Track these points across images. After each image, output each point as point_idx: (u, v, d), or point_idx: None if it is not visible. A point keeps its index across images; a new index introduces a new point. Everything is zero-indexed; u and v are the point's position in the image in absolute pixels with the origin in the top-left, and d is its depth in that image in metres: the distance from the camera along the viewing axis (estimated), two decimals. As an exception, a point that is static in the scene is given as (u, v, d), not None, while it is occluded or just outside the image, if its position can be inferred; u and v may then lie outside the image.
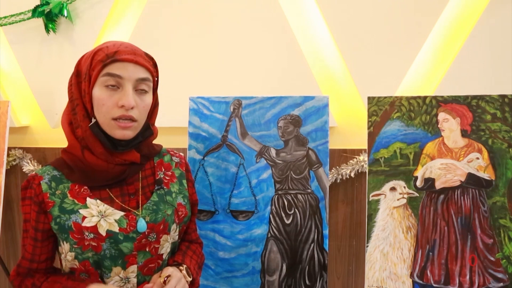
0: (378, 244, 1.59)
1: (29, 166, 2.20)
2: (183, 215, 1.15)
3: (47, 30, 2.10)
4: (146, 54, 1.08)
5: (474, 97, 1.56)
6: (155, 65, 1.11)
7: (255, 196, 1.65)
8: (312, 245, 1.61)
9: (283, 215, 1.63)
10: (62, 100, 2.18)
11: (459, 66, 1.84)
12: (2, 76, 2.27)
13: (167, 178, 1.16)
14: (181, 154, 1.25)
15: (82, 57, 1.07)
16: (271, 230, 1.63)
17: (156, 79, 1.10)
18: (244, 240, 1.64)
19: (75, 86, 1.06)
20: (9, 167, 2.23)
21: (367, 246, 1.60)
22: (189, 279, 1.12)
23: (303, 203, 1.63)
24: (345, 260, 2.03)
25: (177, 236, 1.16)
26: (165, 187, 1.14)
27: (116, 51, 1.01)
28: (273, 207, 1.64)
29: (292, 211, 1.63)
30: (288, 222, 1.63)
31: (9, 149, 2.20)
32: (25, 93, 2.25)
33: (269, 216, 1.64)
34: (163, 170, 1.17)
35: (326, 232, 1.61)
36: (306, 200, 1.62)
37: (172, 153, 1.23)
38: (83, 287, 1.02)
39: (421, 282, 1.55)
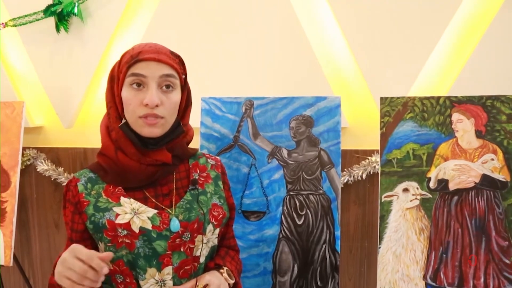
0: (391, 246, 1.58)
1: (43, 166, 2.23)
2: (220, 215, 1.13)
3: (58, 30, 2.11)
4: (172, 52, 1.09)
5: (489, 97, 1.54)
6: (181, 62, 1.11)
7: (267, 196, 1.64)
8: (324, 246, 1.61)
9: (295, 215, 1.63)
10: (75, 100, 2.20)
11: (473, 66, 1.81)
12: (16, 77, 2.31)
13: (202, 179, 1.16)
14: (217, 157, 1.25)
15: (115, 63, 1.10)
16: (282, 231, 1.63)
17: (183, 76, 1.10)
18: (256, 240, 1.64)
19: (108, 90, 1.09)
20: (23, 167, 2.26)
21: (379, 248, 1.59)
22: (231, 281, 1.11)
23: (315, 204, 1.62)
24: (357, 261, 2.02)
25: (216, 239, 1.15)
26: (199, 188, 1.13)
27: (140, 52, 1.03)
28: (285, 207, 1.63)
29: (304, 212, 1.62)
30: (299, 222, 1.62)
31: (24, 149, 2.23)
32: (39, 94, 2.28)
33: (281, 217, 1.63)
34: (198, 171, 1.17)
35: (338, 233, 1.60)
36: (318, 201, 1.62)
37: (207, 155, 1.22)
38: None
39: (434, 284, 1.53)
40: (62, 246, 1.14)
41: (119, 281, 1.07)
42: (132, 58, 1.03)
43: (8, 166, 2.05)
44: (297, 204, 1.63)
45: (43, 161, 2.24)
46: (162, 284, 1.05)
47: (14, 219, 2.00)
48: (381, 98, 1.63)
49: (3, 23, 2.16)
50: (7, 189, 2.03)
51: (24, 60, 2.27)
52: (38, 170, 2.25)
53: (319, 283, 1.60)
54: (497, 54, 1.79)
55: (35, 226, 2.36)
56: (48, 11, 2.10)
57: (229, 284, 1.10)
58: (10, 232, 1.99)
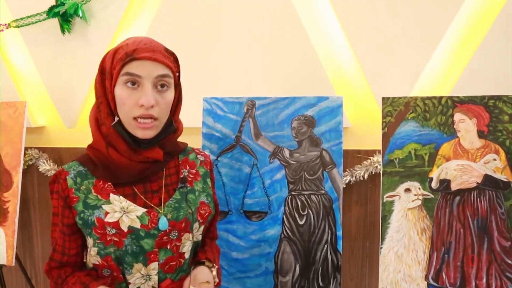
0: (392, 246, 1.58)
1: (45, 166, 2.24)
2: (206, 213, 1.15)
3: (63, 31, 2.12)
4: (166, 50, 1.07)
5: (491, 97, 1.54)
6: (175, 60, 1.10)
7: (269, 196, 1.64)
8: (326, 246, 1.61)
9: (297, 215, 1.63)
10: (77, 100, 2.20)
11: (475, 66, 1.81)
12: (19, 77, 2.31)
13: (191, 176, 1.17)
14: (206, 153, 1.25)
15: (106, 54, 1.07)
16: (284, 231, 1.63)
17: (177, 74, 1.10)
18: (257, 240, 1.64)
19: (99, 83, 1.07)
20: (25, 167, 2.27)
21: (381, 248, 1.59)
22: (217, 280, 1.15)
23: (317, 204, 1.62)
24: (358, 261, 2.02)
25: (200, 236, 1.17)
26: (188, 186, 1.14)
27: (135, 49, 1.01)
28: (287, 207, 1.63)
29: (306, 212, 1.62)
30: (301, 223, 1.62)
31: (26, 149, 2.23)
32: (41, 94, 2.28)
33: (283, 217, 1.63)
34: (188, 168, 1.17)
35: (339, 233, 1.60)
36: (319, 201, 1.62)
37: (197, 151, 1.23)
38: (94, 286, 1.03)
39: (436, 284, 1.53)
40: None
41: (107, 275, 1.08)
42: (127, 56, 1.00)
43: (10, 166, 2.05)
44: (299, 204, 1.63)
45: (45, 161, 2.25)
46: (148, 279, 1.08)
47: (16, 219, 2.00)
48: (383, 98, 1.63)
49: (6, 24, 2.16)
50: (9, 189, 2.04)
51: (27, 60, 2.27)
52: (40, 170, 2.25)
53: (320, 283, 1.60)
54: (499, 54, 1.79)
55: (37, 226, 2.36)
56: (51, 12, 2.10)
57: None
58: (12, 232, 1.99)
